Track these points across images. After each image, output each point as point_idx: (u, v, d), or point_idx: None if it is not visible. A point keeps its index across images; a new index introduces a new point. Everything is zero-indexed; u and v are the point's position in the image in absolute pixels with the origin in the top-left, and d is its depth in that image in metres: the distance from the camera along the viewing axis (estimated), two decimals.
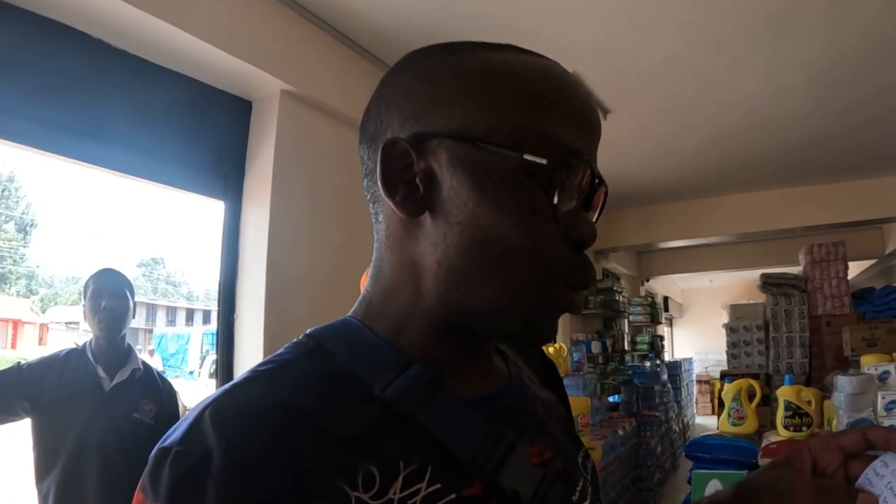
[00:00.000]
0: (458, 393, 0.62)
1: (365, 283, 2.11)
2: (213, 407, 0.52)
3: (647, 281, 12.39)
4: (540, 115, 0.59)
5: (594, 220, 0.65)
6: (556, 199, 0.59)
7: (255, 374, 0.57)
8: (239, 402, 0.53)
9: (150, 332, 21.96)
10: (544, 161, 0.58)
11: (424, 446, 0.56)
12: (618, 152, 6.14)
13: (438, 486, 0.54)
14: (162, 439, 0.52)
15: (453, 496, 0.55)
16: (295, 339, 0.64)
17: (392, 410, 0.57)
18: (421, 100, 0.62)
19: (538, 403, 0.74)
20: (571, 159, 0.59)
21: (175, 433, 0.52)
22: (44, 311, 28.31)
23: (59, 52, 2.57)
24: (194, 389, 11.96)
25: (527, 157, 0.58)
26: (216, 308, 3.35)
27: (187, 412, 0.54)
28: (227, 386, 0.55)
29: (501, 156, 0.58)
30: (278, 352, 0.62)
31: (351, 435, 0.53)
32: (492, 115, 0.59)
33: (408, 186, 0.61)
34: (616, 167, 6.63)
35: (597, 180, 0.62)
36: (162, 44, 2.82)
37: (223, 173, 3.30)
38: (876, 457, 0.68)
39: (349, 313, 0.69)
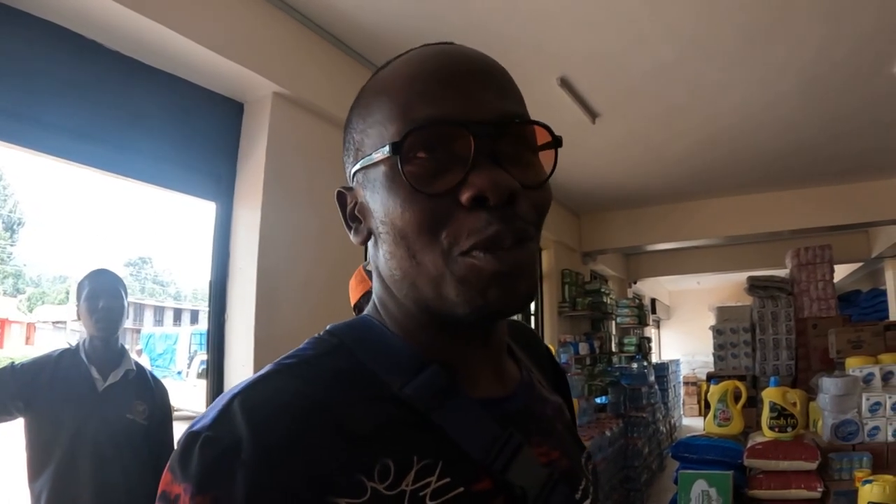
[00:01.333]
0: (472, 394, 0.66)
1: (352, 287, 2.11)
2: (242, 397, 0.55)
3: (635, 283, 12.44)
4: (404, 108, 0.62)
5: (529, 162, 0.64)
6: (429, 172, 0.60)
7: (281, 368, 0.61)
8: (266, 394, 0.56)
9: (138, 331, 21.82)
10: (386, 148, 0.60)
11: (437, 443, 0.60)
12: (607, 156, 6.17)
13: (448, 479, 0.58)
14: (190, 425, 0.55)
15: (462, 490, 0.58)
16: (316, 335, 0.68)
17: (408, 409, 0.61)
18: (346, 145, 0.71)
19: (547, 406, 0.78)
20: (416, 129, 0.59)
21: (204, 419, 0.55)
22: (31, 311, 28.13)
23: (53, 52, 2.58)
24: (182, 389, 11.91)
25: (375, 154, 0.62)
26: (206, 308, 3.36)
27: (214, 401, 0.57)
28: (253, 377, 0.59)
29: (375, 163, 0.63)
30: (300, 346, 0.65)
31: (369, 430, 0.57)
32: (374, 133, 0.64)
33: (356, 221, 0.70)
34: (605, 171, 6.67)
35: (480, 129, 0.60)
36: (155, 46, 2.83)
37: (215, 174, 3.31)
38: None
39: (366, 312, 0.73)
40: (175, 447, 0.54)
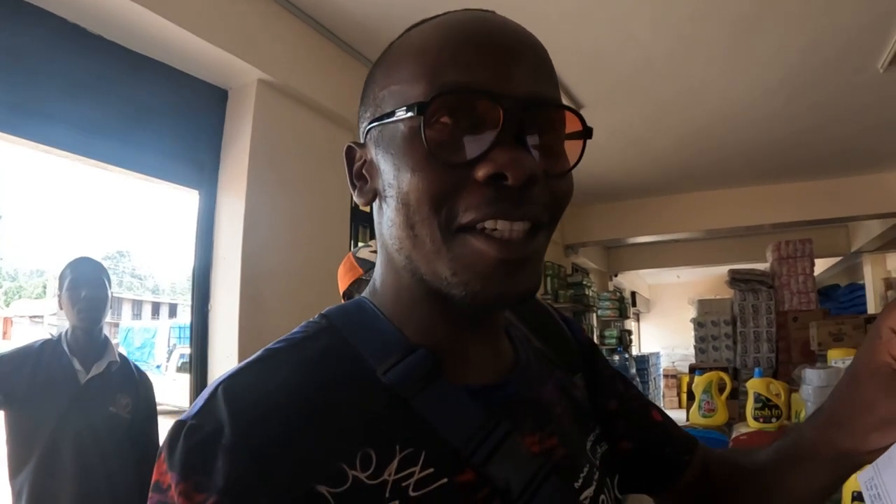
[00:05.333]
0: (460, 381, 0.63)
1: (341, 275, 2.05)
2: (226, 384, 0.55)
3: (616, 276, 12.51)
4: (434, 71, 0.58)
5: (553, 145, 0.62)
6: (449, 140, 0.57)
7: (268, 353, 0.59)
8: (250, 381, 0.56)
9: (116, 325, 21.66)
10: (409, 108, 0.57)
11: (420, 432, 0.58)
12: (590, 149, 6.05)
13: (431, 470, 0.56)
14: (182, 415, 0.55)
15: (445, 481, 0.56)
16: (310, 319, 0.66)
17: (392, 395, 0.59)
18: (364, 99, 0.68)
19: (546, 390, 0.74)
20: (445, 93, 0.56)
21: (192, 409, 0.54)
22: (7, 305, 27.84)
23: (33, 36, 2.51)
24: (162, 384, 11.83)
25: (399, 113, 0.59)
26: (186, 301, 3.32)
27: (204, 389, 0.56)
28: (241, 364, 0.58)
29: (394, 121, 0.60)
30: (293, 330, 0.64)
31: (352, 417, 0.55)
32: (398, 90, 0.61)
33: (361, 180, 0.67)
34: (588, 163, 6.62)
35: (516, 104, 0.57)
36: (138, 30, 2.77)
37: (199, 162, 3.25)
38: None
39: (364, 294, 0.71)
40: (164, 438, 0.54)
